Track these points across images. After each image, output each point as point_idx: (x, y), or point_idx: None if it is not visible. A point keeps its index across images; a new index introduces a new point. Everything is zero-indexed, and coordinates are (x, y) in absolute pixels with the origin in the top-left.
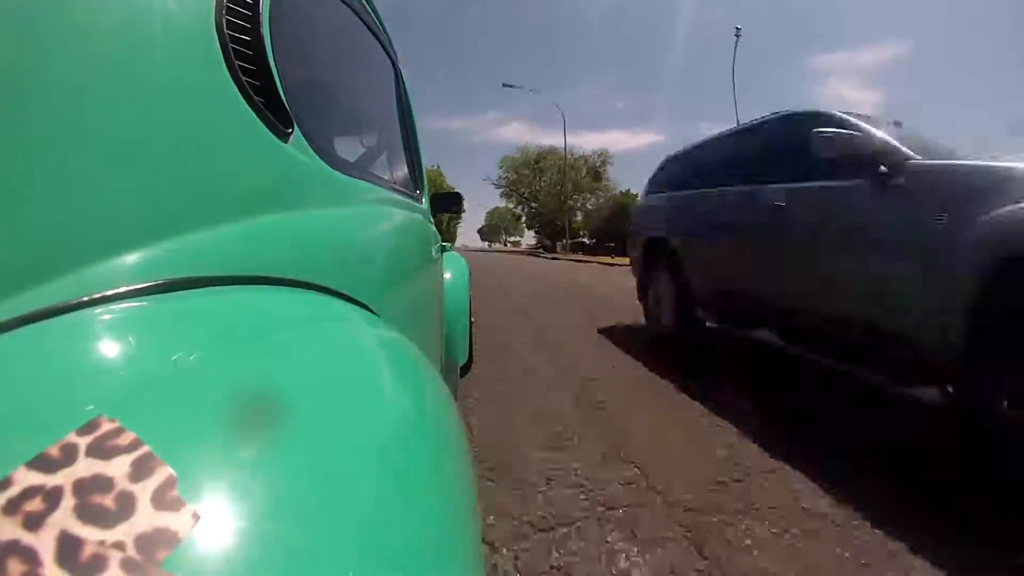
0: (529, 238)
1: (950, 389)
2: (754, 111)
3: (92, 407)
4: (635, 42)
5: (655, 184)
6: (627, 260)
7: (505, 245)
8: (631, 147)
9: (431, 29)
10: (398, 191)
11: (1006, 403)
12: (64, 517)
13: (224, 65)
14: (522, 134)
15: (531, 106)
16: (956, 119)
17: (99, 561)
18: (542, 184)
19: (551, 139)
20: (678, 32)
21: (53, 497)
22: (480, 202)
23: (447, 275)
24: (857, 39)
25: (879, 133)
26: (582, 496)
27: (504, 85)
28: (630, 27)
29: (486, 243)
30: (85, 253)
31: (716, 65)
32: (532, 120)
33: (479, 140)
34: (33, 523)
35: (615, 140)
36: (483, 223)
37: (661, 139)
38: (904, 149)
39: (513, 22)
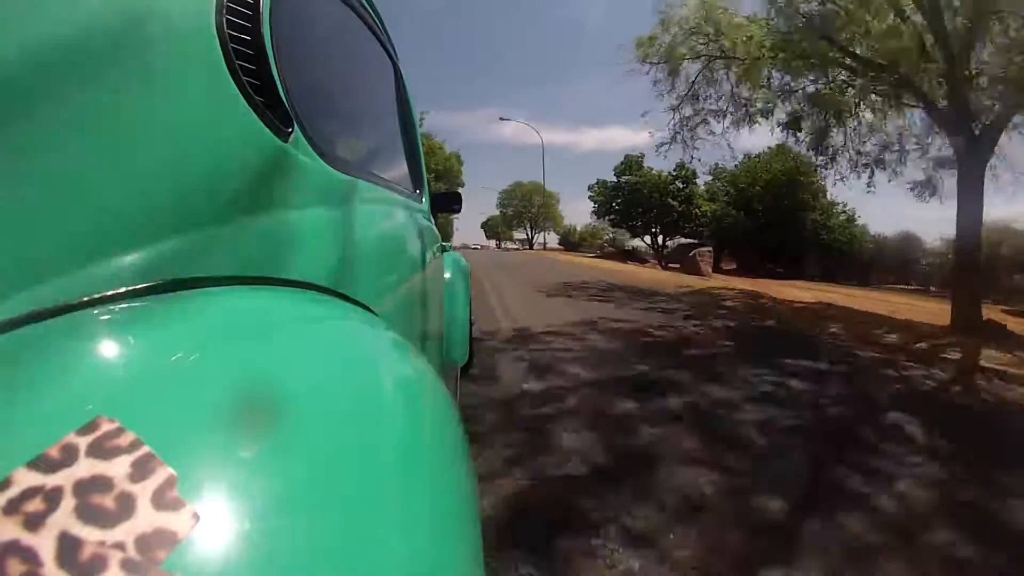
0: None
1: None
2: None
3: (92, 407)
4: (627, 33)
5: None
6: None
7: (517, 245)
8: (633, 143)
9: (426, 22)
10: (398, 191)
11: None
12: (64, 517)
13: (224, 65)
14: (520, 132)
15: (529, 102)
16: None
17: (99, 561)
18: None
19: (549, 135)
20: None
21: (53, 497)
22: (483, 182)
23: (447, 275)
24: None
25: None
26: None
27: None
28: (629, 21)
29: (492, 242)
30: (85, 253)
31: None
32: (530, 117)
33: (475, 137)
34: (33, 523)
35: (617, 137)
36: (493, 213)
37: (662, 135)
38: None
39: (511, 17)
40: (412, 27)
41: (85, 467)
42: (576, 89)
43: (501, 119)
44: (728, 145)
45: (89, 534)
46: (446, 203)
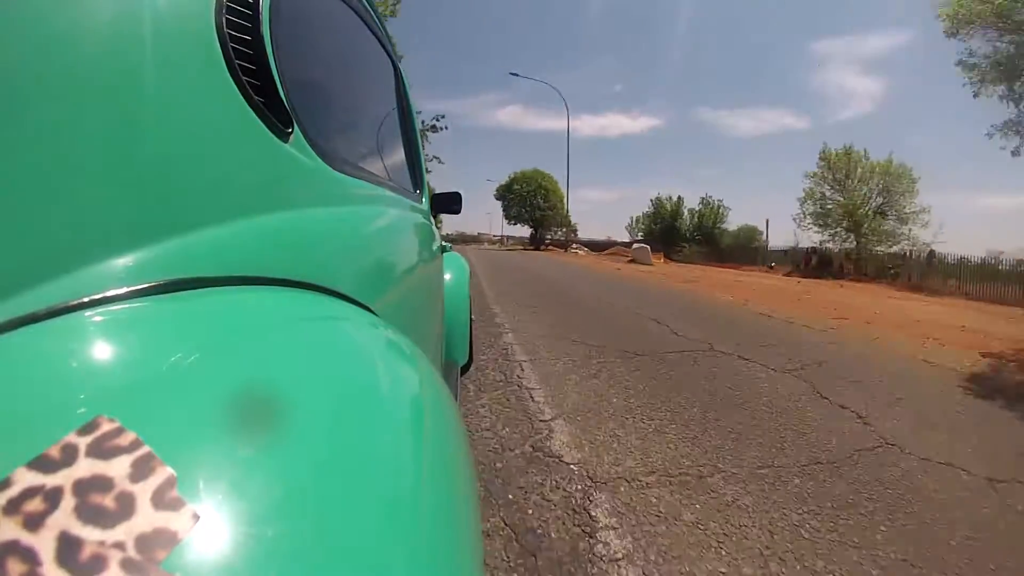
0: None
1: None
2: (752, 97)
3: (92, 407)
4: (634, 24)
5: None
6: None
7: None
8: (630, 131)
9: (427, 9)
10: (398, 191)
11: None
12: (64, 517)
13: (224, 65)
14: (518, 117)
15: (528, 90)
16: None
17: (99, 561)
18: None
19: (548, 122)
20: (677, 14)
21: (53, 497)
22: (483, 171)
23: (447, 275)
24: (859, 26)
25: None
26: None
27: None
28: (629, 8)
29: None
30: (85, 253)
31: (715, 48)
32: (528, 103)
33: (474, 123)
34: (33, 523)
35: (614, 123)
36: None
37: (659, 123)
38: None
39: (511, 2)
40: (405, 12)
41: (85, 467)
42: (573, 76)
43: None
44: None
45: (89, 534)
46: (446, 203)
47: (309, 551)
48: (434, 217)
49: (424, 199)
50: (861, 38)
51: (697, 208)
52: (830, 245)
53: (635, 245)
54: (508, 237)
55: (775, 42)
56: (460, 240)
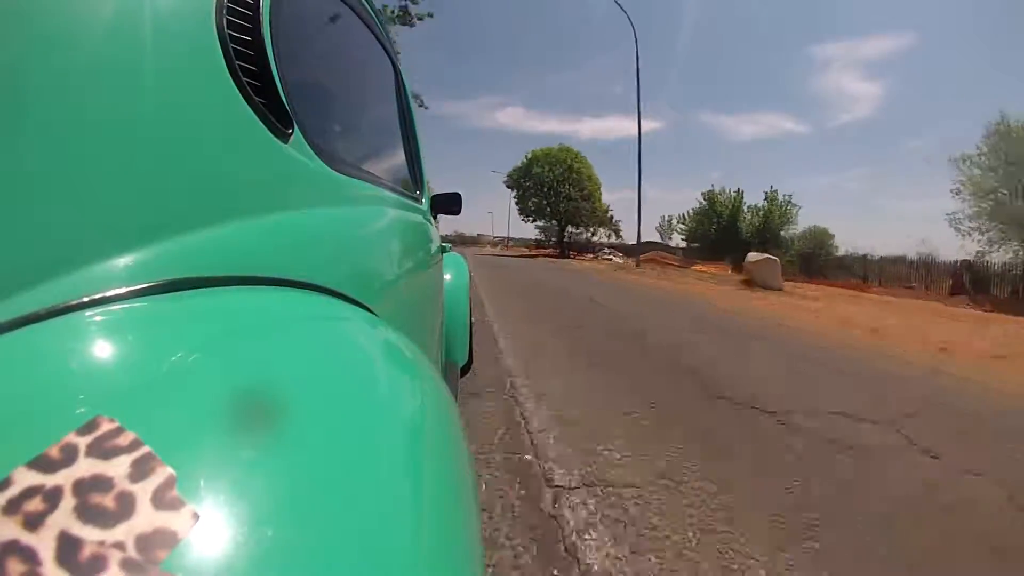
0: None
1: None
2: (753, 100)
3: (92, 407)
4: (635, 25)
5: None
6: None
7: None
8: (631, 134)
9: (426, 7)
10: (398, 191)
11: None
12: (64, 517)
13: (224, 65)
14: (519, 119)
15: (529, 91)
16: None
17: (99, 561)
18: None
19: (548, 125)
20: (678, 16)
21: (53, 497)
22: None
23: (447, 275)
24: (860, 29)
25: None
26: None
27: None
28: (630, 9)
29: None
30: (85, 253)
31: (716, 52)
32: (529, 105)
33: (473, 125)
34: (33, 523)
35: (614, 126)
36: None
37: (660, 126)
38: None
39: (509, 3)
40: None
41: (85, 467)
42: (573, 77)
43: None
44: None
45: (89, 534)
46: (446, 203)
47: (309, 551)
48: (434, 218)
49: (424, 199)
50: (857, 43)
51: (761, 205)
52: (997, 256)
53: (752, 255)
54: (510, 239)
55: (775, 46)
56: (459, 242)
